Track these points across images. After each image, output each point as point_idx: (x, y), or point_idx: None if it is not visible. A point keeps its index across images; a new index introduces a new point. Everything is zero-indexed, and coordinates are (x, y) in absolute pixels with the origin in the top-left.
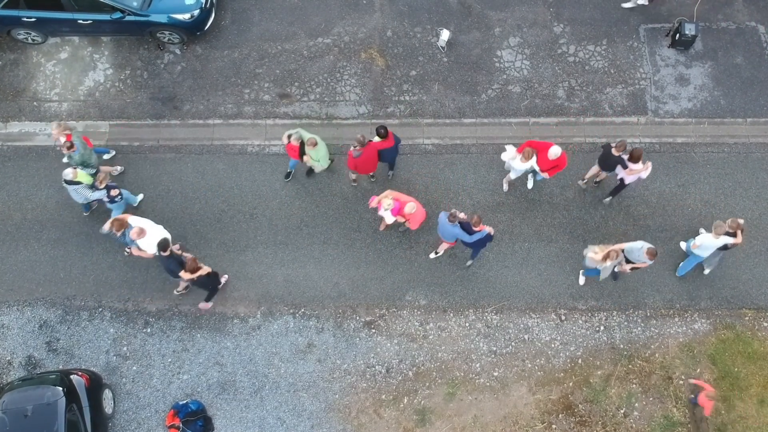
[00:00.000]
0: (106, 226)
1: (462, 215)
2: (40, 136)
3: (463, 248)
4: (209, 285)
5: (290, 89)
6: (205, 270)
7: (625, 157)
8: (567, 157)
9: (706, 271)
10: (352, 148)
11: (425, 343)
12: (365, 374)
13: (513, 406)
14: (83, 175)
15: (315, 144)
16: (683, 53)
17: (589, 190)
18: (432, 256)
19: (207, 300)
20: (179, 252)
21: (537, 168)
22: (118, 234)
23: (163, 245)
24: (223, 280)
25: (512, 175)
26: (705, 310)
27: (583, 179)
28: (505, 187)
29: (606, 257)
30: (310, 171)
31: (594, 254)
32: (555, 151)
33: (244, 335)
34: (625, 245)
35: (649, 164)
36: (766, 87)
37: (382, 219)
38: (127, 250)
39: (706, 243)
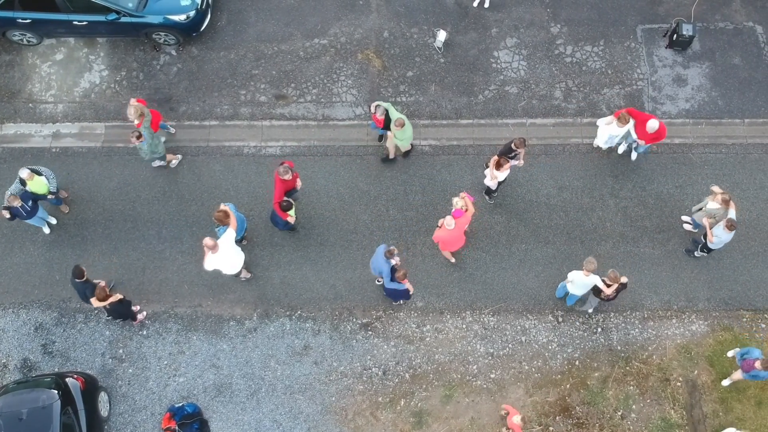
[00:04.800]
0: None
1: (397, 259)
2: (35, 137)
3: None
4: (122, 312)
5: (286, 90)
6: (115, 297)
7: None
8: (666, 129)
9: (588, 309)
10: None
11: (422, 345)
12: (362, 376)
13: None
14: (39, 184)
15: (402, 125)
16: (681, 54)
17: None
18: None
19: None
20: (103, 286)
21: (634, 135)
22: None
23: (77, 273)
24: (139, 316)
25: (603, 144)
26: (702, 311)
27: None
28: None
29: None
30: (386, 158)
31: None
32: (653, 125)
33: (241, 337)
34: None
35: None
36: (763, 87)
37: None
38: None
39: (577, 280)
